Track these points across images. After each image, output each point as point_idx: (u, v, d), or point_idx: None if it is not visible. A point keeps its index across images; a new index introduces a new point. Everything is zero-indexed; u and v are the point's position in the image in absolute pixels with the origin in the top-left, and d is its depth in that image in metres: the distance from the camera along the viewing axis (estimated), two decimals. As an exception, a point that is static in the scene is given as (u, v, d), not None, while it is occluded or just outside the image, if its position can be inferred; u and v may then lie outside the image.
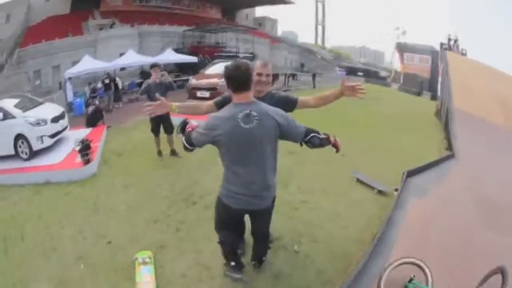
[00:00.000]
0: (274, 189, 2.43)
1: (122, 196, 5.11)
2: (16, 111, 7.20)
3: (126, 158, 7.02)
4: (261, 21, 41.19)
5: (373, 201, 4.51)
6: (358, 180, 5.11)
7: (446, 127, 9.27)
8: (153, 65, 6.37)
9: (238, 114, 2.15)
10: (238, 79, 2.16)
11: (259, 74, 2.60)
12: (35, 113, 7.29)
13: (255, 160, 2.23)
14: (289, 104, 2.66)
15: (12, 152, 6.99)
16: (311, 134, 2.33)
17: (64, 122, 7.90)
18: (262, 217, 2.55)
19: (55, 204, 5.20)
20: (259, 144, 2.19)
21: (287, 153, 5.95)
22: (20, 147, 6.92)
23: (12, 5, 24.21)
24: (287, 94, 2.85)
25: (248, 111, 2.16)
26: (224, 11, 36.96)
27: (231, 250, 2.67)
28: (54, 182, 6.04)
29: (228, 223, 2.55)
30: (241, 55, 22.57)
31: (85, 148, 6.35)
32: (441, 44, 19.23)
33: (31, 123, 6.86)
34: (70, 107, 14.77)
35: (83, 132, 8.69)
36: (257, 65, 2.63)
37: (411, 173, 4.89)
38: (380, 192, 4.77)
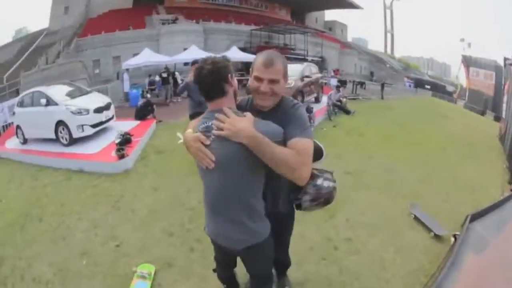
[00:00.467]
0: (255, 233, 1.76)
1: (147, 199, 5.09)
2: (59, 99, 7.74)
3: (165, 157, 6.99)
4: (331, 25, 41.42)
5: (426, 248, 3.74)
6: (415, 217, 4.48)
7: (510, 156, 8.45)
8: (194, 62, 5.69)
9: (199, 126, 1.69)
10: (201, 84, 1.64)
11: (258, 79, 1.71)
12: (78, 102, 7.77)
13: (213, 187, 1.73)
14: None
15: (53, 136, 7.57)
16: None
17: (109, 113, 8.28)
18: (245, 259, 1.92)
19: (80, 194, 5.44)
20: (217, 168, 1.63)
21: (343, 173, 5.58)
22: (60, 132, 7.46)
23: None
24: (300, 119, 1.74)
25: (210, 123, 1.65)
26: (293, 13, 37.49)
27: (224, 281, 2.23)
28: (87, 171, 6.32)
29: (215, 254, 2.10)
30: (309, 58, 22.36)
31: (124, 142, 6.62)
32: (505, 59, 17.32)
33: (72, 112, 7.35)
34: (126, 97, 15.80)
35: (130, 124, 9.00)
36: (256, 63, 1.73)
37: (474, 217, 4.21)
38: (436, 236, 4.11)
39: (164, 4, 30.47)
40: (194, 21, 26.42)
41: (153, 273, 3.13)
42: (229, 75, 1.65)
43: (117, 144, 6.55)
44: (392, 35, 44.25)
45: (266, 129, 1.58)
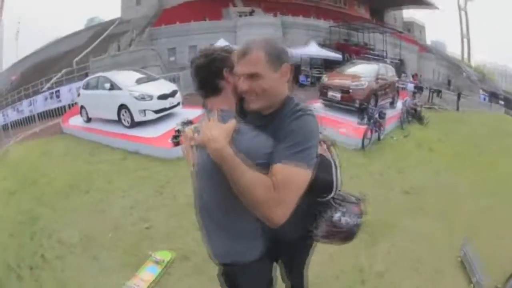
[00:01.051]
0: (234, 251, 1.51)
1: (190, 189, 5.22)
2: (124, 84, 8.42)
3: None
4: (409, 26, 38.62)
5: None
6: (463, 259, 4.00)
7: None
8: None
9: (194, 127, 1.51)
10: (193, 79, 1.47)
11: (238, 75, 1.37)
12: (143, 88, 8.35)
13: (194, 190, 1.57)
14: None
15: (115, 118, 8.33)
16: None
17: (174, 100, 8.58)
18: (228, 277, 1.65)
19: (130, 174, 5.93)
20: (196, 178, 1.48)
21: (400, 192, 5.12)
22: (123, 115, 8.20)
23: None
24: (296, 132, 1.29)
25: (198, 125, 1.47)
26: (371, 11, 35.84)
27: None
28: (142, 153, 6.84)
29: None
30: (388, 60, 21.37)
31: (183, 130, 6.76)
32: None
33: (135, 97, 7.97)
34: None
35: (196, 113, 9.11)
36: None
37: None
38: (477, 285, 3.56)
39: (241, -3, 31.20)
40: (272, 14, 26.29)
41: (166, 260, 3.23)
42: (226, 69, 1.37)
43: (176, 131, 6.83)
44: (468, 40, 40.13)
45: (248, 144, 1.26)
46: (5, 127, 13.33)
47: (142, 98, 7.94)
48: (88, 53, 22.49)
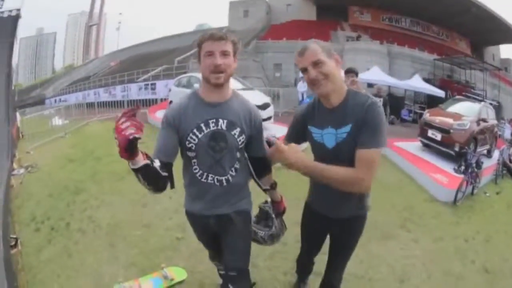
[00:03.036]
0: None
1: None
2: None
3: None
4: (506, 64, 36.45)
5: None
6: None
7: None
8: (348, 70, 5.16)
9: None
10: None
11: (302, 70, 1.77)
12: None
13: None
14: None
15: None
16: None
17: (263, 113, 8.19)
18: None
19: None
20: None
21: (481, 269, 3.94)
22: None
23: (250, 3, 33.37)
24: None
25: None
26: (472, 45, 35.00)
27: None
28: None
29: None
30: (488, 101, 19.65)
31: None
32: None
33: None
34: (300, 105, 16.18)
35: (285, 130, 8.99)
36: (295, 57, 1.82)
37: None
38: None
39: (348, 21, 32.45)
40: (378, 41, 26.98)
41: (176, 280, 2.95)
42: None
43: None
44: None
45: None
46: (90, 105, 14.80)
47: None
48: (192, 54, 24.25)
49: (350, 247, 2.12)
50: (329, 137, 1.78)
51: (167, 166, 1.63)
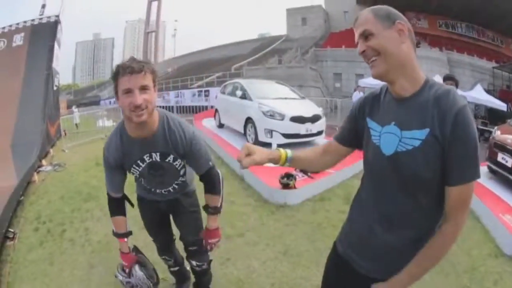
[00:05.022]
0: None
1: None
2: (256, 94, 7.90)
3: (326, 204, 5.09)
4: None
5: None
6: None
7: None
8: (447, 77, 4.66)
9: None
10: None
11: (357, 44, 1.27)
12: (276, 104, 7.46)
13: None
14: None
15: (242, 131, 7.97)
16: None
17: (313, 126, 7.39)
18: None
19: None
20: None
21: None
22: (249, 130, 7.70)
23: (307, 10, 34.14)
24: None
25: None
26: None
27: None
28: (246, 181, 5.76)
29: None
30: None
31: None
32: None
33: (263, 112, 7.25)
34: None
35: None
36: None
37: None
38: None
39: (407, 29, 33.49)
40: (437, 48, 27.41)
41: None
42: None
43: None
44: None
45: None
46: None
47: (271, 115, 7.06)
48: (249, 62, 24.30)
49: None
50: (388, 138, 1.22)
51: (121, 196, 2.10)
